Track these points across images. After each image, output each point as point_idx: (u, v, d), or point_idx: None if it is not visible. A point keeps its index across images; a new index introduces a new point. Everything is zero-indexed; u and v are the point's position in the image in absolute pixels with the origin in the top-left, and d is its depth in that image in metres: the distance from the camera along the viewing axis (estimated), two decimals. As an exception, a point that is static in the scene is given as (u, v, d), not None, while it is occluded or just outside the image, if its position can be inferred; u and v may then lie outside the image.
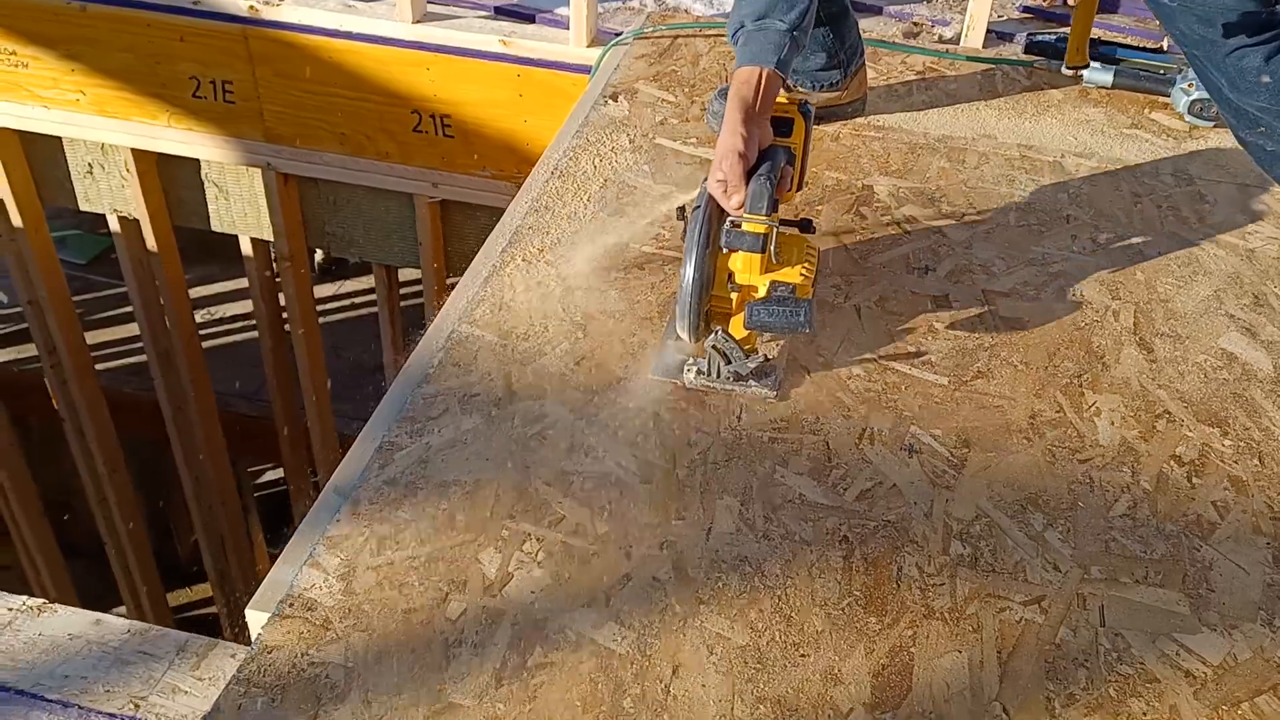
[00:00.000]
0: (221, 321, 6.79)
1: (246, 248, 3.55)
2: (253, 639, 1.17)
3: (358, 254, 3.45)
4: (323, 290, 6.89)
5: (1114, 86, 2.20)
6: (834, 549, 1.28)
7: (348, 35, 2.88)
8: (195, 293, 6.67)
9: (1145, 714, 1.10)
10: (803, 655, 1.16)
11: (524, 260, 1.74)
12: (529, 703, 1.10)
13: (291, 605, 1.19)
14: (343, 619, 1.18)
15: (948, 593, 1.23)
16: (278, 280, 3.59)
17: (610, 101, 2.20)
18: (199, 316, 6.62)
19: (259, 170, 3.22)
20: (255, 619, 1.19)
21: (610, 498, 1.33)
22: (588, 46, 2.69)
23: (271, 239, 3.38)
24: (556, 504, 1.32)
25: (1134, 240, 1.81)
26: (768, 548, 1.28)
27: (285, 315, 3.75)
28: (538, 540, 1.28)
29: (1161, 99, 2.18)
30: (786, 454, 1.40)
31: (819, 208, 1.89)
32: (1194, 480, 1.37)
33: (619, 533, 1.29)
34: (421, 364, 1.54)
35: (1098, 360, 1.56)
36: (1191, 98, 2.09)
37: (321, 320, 5.95)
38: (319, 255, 7.15)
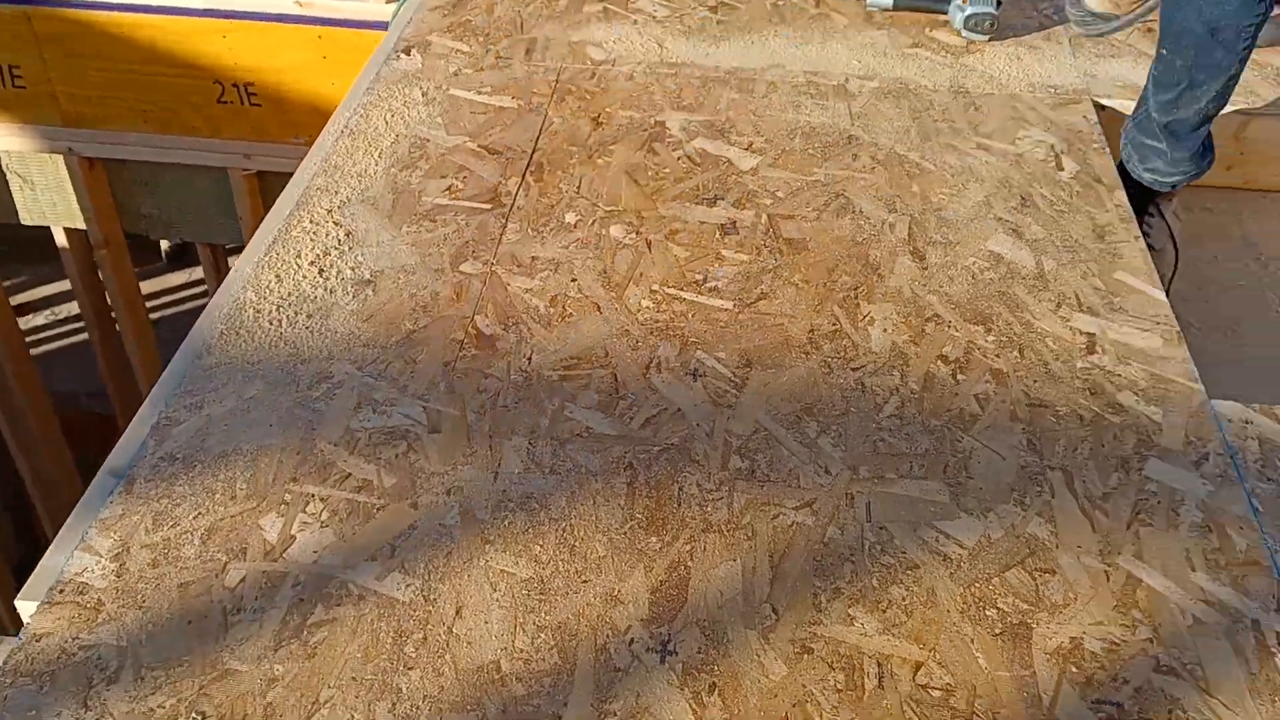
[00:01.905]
0: (65, 321, 6.48)
1: (61, 239, 3.39)
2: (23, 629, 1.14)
3: (177, 235, 3.34)
4: (174, 279, 6.64)
5: (896, 8, 2.26)
6: (619, 476, 1.31)
7: (135, 8, 2.76)
8: (36, 293, 6.34)
9: (904, 599, 1.17)
10: (584, 581, 1.19)
11: (311, 222, 1.71)
12: (308, 659, 1.10)
13: (61, 591, 1.16)
14: (115, 599, 1.15)
15: (725, 506, 1.27)
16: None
17: (403, 55, 2.16)
18: (42, 318, 6.32)
19: (61, 156, 3.07)
20: (25, 609, 1.16)
21: (397, 451, 1.33)
22: (388, 2, 2.64)
23: (84, 227, 3.24)
24: (342, 463, 1.32)
25: (912, 155, 1.87)
26: (554, 482, 1.30)
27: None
28: (321, 500, 1.27)
29: (942, 17, 2.25)
30: (576, 390, 1.42)
31: (612, 147, 1.90)
32: (958, 377, 1.45)
33: (405, 484, 1.29)
34: (203, 335, 1.50)
35: (873, 272, 1.62)
36: (966, 13, 2.16)
37: (173, 309, 5.69)
38: (164, 243, 6.87)
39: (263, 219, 3.15)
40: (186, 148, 2.98)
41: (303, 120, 2.90)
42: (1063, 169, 1.84)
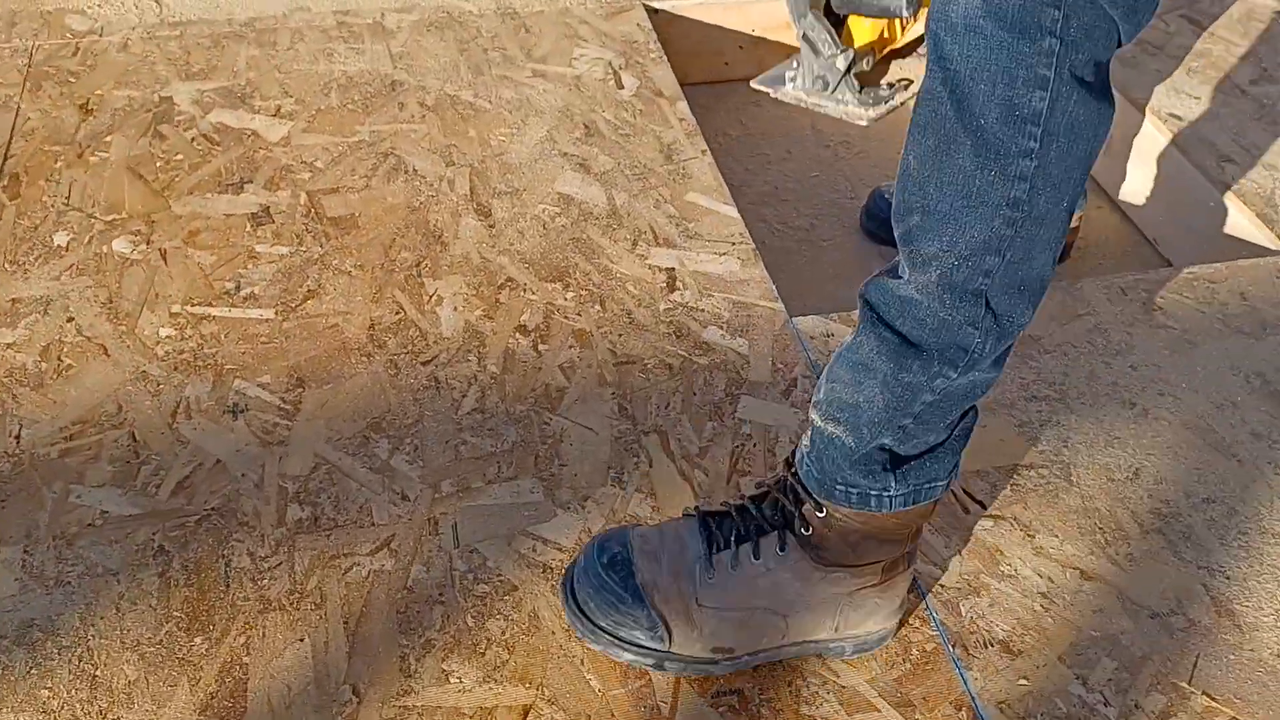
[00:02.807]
0: None
1: None
2: None
3: None
4: None
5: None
6: (148, 568, 1.06)
7: None
8: None
9: (504, 632, 1.02)
10: (111, 722, 0.95)
11: None
12: None
13: None
14: None
15: (286, 572, 1.06)
16: None
17: None
18: None
19: None
20: None
21: None
22: None
23: None
24: None
25: (464, 94, 1.69)
26: (62, 597, 1.03)
27: None
28: None
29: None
30: (83, 465, 1.15)
31: (108, 139, 1.57)
32: (540, 348, 1.30)
33: None
34: None
35: (436, 241, 1.44)
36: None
37: None
38: None
39: None
40: None
41: None
42: (623, 86, 1.73)
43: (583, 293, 1.38)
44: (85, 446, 1.16)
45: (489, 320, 1.33)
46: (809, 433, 0.95)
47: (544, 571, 1.07)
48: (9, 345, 1.27)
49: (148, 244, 1.41)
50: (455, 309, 1.34)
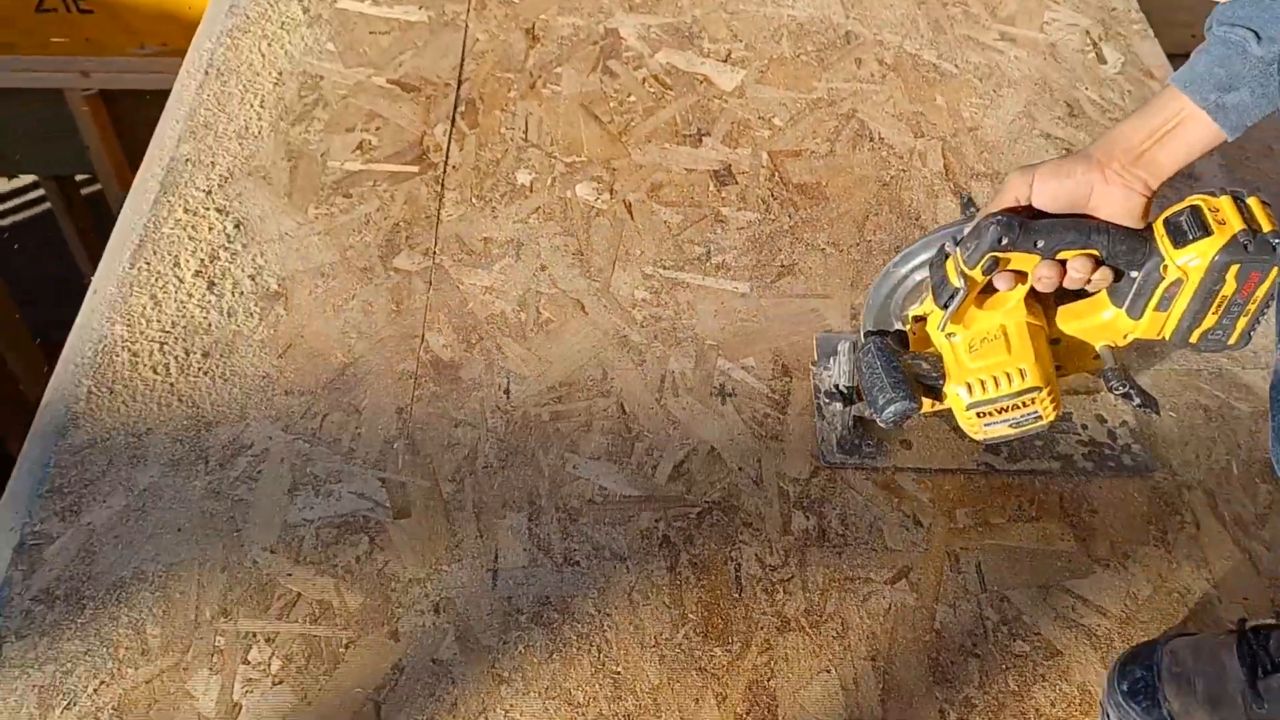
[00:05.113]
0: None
1: None
2: None
3: (13, 170, 2.80)
4: None
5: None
6: (655, 558, 1.01)
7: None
8: None
9: (1054, 704, 0.92)
10: (641, 729, 0.90)
11: (186, 211, 1.31)
12: None
13: (-80, 845, 0.83)
14: None
15: (799, 587, 0.99)
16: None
17: (268, -44, 1.69)
18: None
19: None
20: None
21: (359, 551, 1.01)
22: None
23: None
24: (285, 579, 0.98)
25: (925, 55, 1.54)
26: (573, 576, 0.99)
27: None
28: (267, 641, 0.94)
29: None
30: (575, 431, 1.10)
31: (558, 70, 1.51)
32: (1047, 364, 1.17)
33: (378, 601, 0.97)
34: (64, 399, 1.12)
35: (913, 223, 1.31)
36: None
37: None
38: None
39: (116, 143, 2.66)
40: (8, 69, 2.43)
41: (146, 25, 2.38)
42: (1105, 61, 1.53)
43: (1087, 305, 1.22)
44: (575, 412, 1.12)
45: (984, 325, 1.20)
46: None
47: (1089, 638, 0.96)
48: (487, 289, 1.24)
49: (611, 193, 1.35)
50: (945, 306, 1.22)
